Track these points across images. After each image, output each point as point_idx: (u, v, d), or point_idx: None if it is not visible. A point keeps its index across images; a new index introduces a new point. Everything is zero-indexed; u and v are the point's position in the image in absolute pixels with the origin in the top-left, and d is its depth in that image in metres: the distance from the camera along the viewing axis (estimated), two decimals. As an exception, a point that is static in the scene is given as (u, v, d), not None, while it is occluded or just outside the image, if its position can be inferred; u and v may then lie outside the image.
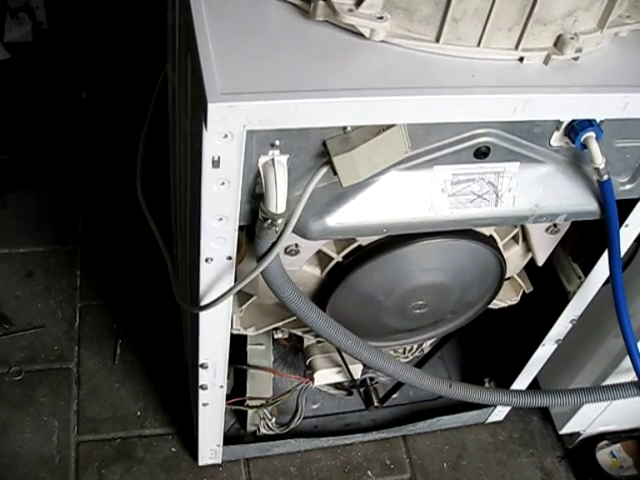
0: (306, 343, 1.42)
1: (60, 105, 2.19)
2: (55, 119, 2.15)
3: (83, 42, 2.38)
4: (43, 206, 1.94)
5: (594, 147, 0.92)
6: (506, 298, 1.36)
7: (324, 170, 0.88)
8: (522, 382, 1.52)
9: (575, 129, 0.92)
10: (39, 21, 2.39)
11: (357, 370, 1.42)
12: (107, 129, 2.14)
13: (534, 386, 1.57)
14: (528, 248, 1.23)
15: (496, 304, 1.34)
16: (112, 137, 2.11)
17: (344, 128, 0.85)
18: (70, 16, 2.44)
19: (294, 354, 1.61)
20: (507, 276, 1.25)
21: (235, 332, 1.25)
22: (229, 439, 1.49)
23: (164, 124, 1.45)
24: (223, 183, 0.86)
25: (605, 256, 1.07)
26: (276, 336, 1.41)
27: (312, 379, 1.41)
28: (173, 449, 1.56)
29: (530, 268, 1.31)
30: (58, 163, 2.04)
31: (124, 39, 2.37)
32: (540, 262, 1.25)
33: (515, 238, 1.20)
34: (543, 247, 1.22)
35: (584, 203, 1.02)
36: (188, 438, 1.54)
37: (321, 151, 0.87)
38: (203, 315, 1.08)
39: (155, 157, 1.46)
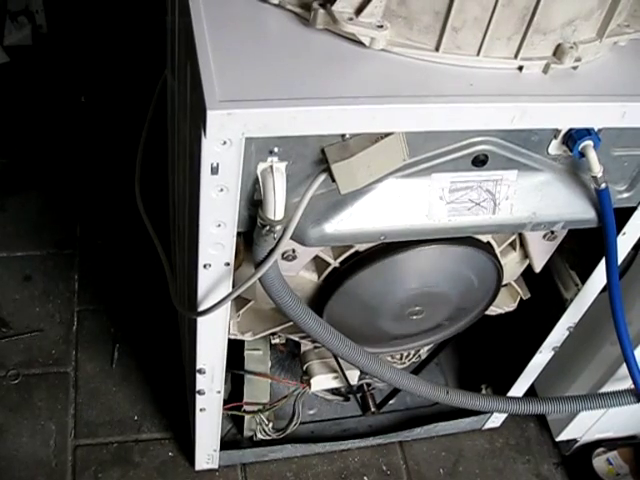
0: (303, 349, 1.42)
1: (59, 109, 2.20)
2: (54, 123, 2.15)
3: (82, 46, 2.38)
4: (41, 210, 1.94)
5: (592, 155, 0.92)
6: (503, 305, 1.36)
7: (322, 177, 0.88)
8: (519, 389, 1.52)
9: (573, 138, 0.92)
10: (39, 25, 2.39)
11: (354, 376, 1.42)
12: (106, 133, 2.15)
13: (531, 393, 1.57)
14: (525, 255, 1.23)
15: (493, 310, 1.34)
16: (111, 141, 2.11)
17: (343, 135, 0.85)
18: (70, 20, 2.44)
19: (291, 360, 1.61)
20: (504, 282, 1.25)
21: (232, 337, 1.25)
22: (226, 444, 1.48)
23: (163, 129, 1.45)
24: (222, 189, 0.86)
25: (602, 264, 1.07)
26: (273, 342, 1.41)
27: (309, 385, 1.41)
28: (170, 454, 1.55)
29: (527, 275, 1.31)
30: (57, 167, 2.04)
31: (124, 43, 2.37)
32: (537, 269, 1.25)
33: (512, 244, 1.20)
34: (540, 254, 1.22)
35: (582, 211, 1.03)
36: (185, 443, 1.54)
37: (320, 158, 0.87)
38: (201, 321, 1.08)
39: (154, 162, 1.46)
